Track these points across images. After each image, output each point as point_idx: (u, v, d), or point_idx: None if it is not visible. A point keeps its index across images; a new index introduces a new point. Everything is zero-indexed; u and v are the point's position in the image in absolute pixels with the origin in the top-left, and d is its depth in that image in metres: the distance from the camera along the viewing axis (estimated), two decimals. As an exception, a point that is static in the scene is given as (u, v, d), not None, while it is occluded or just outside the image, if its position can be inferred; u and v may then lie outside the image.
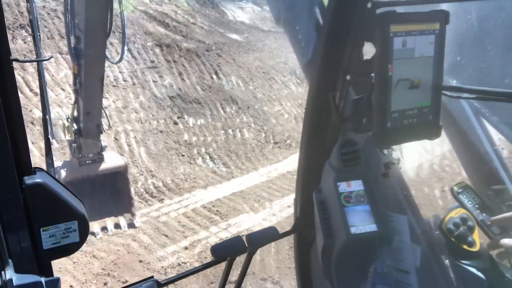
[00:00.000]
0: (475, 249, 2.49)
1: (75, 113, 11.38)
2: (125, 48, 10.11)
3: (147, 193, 13.17)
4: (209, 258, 10.57)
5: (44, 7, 16.64)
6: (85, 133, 11.43)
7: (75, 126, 11.39)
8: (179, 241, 11.49)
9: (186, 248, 11.14)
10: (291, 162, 15.94)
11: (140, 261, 10.51)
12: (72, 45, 9.98)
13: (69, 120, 11.48)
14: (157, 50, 18.34)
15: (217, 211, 12.67)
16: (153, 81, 17.09)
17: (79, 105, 10.99)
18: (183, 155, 15.05)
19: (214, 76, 18.64)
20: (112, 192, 12.43)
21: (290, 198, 12.99)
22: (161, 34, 19.23)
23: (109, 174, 12.17)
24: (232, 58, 20.28)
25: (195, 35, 20.34)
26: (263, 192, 13.96)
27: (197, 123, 16.32)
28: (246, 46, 21.97)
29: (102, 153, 12.10)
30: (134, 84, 16.52)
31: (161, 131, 15.49)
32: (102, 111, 11.51)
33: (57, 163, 11.91)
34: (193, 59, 18.76)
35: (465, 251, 2.49)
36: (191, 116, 16.42)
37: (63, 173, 11.55)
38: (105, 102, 14.60)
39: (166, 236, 11.55)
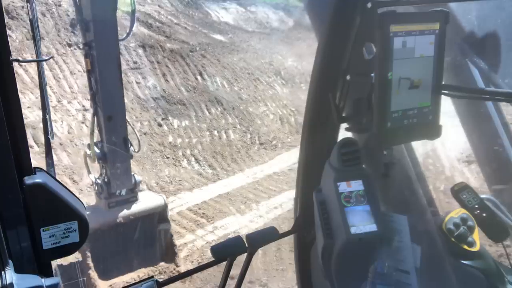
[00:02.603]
0: (475, 249, 2.52)
1: (97, 138, 9.61)
2: (134, 25, 9.61)
3: (131, 196, 12.96)
4: (196, 262, 10.59)
5: (22, 7, 16.55)
6: (110, 151, 9.53)
7: (97, 150, 9.58)
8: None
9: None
10: (277, 163, 16.09)
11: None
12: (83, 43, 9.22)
13: (89, 147, 9.58)
14: (140, 51, 18.31)
15: (203, 213, 12.69)
16: (136, 82, 17.07)
17: (99, 115, 9.34)
18: (167, 157, 15.04)
19: (199, 77, 18.67)
20: (150, 239, 10.56)
21: (277, 200, 13.12)
22: (144, 34, 19.23)
23: (146, 216, 10.28)
24: (217, 58, 20.34)
25: (178, 36, 20.36)
26: (249, 193, 14.05)
27: (182, 124, 16.35)
28: (231, 47, 22.09)
29: (136, 190, 10.25)
30: (110, 86, 16.45)
31: (145, 133, 15.48)
32: (131, 130, 10.12)
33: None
34: (177, 60, 18.80)
35: (465, 251, 2.52)
36: (175, 118, 16.45)
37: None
38: (86, 104, 14.52)
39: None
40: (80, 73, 15.99)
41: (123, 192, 10.05)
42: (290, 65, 23.11)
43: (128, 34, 9.62)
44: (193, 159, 15.33)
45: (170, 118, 16.34)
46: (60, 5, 17.56)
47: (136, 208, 10.13)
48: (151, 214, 10.37)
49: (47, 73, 15.13)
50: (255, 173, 15.46)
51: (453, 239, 2.49)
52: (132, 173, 10.20)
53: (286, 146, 17.52)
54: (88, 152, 9.63)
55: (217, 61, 20.17)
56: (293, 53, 24.51)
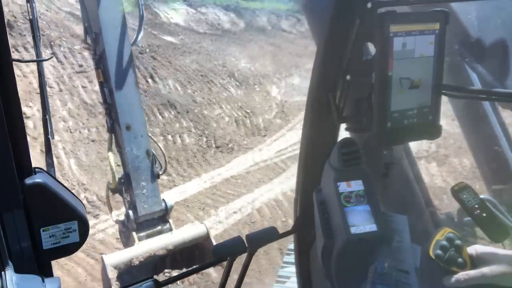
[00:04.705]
0: (467, 269, 2.55)
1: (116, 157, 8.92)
2: (141, 30, 8.94)
3: (80, 209, 12.68)
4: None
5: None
6: (133, 168, 8.71)
7: (115, 160, 8.72)
8: (117, 260, 11.21)
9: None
10: (234, 166, 16.30)
11: (79, 282, 10.49)
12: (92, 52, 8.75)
13: (110, 166, 8.79)
14: (86, 53, 18.14)
15: (159, 223, 12.50)
16: (82, 87, 17.05)
17: (116, 129, 8.64)
18: (118, 165, 14.66)
19: (150, 80, 18.67)
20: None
21: (236, 204, 13.38)
22: (89, 36, 19.11)
23: (184, 249, 8.88)
24: (168, 61, 20.37)
25: (126, 37, 20.34)
26: (207, 199, 14.18)
27: (133, 129, 16.28)
28: (182, 49, 22.19)
29: (168, 217, 9.06)
30: (61, 90, 16.42)
31: (93, 140, 15.45)
32: (153, 147, 9.31)
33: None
34: (126, 62, 18.73)
35: (457, 273, 2.55)
36: (126, 123, 16.16)
37: (112, 258, 8.34)
38: (28, 111, 14.34)
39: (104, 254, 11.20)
40: (19, 78, 15.74)
41: (152, 218, 8.89)
42: (244, 67, 23.31)
43: (136, 39, 9.01)
44: (146, 165, 15.26)
45: (120, 123, 16.25)
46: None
47: (171, 239, 8.81)
48: (190, 246, 9.02)
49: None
50: (212, 177, 15.57)
51: (442, 265, 2.52)
52: (162, 198, 9.07)
53: (242, 149, 17.67)
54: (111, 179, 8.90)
55: (168, 63, 20.19)
56: (246, 55, 24.75)
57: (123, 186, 8.91)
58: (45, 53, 17.06)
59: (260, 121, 19.75)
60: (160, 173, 9.19)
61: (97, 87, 16.80)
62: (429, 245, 2.51)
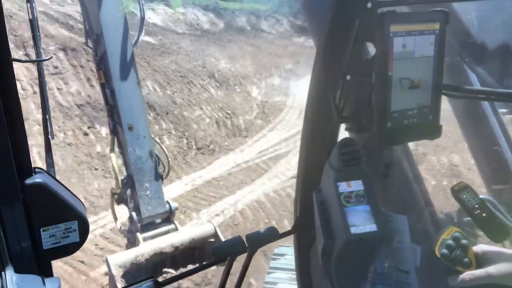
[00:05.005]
0: (472, 268, 2.56)
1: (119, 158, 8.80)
2: (143, 31, 8.96)
3: (56, 216, 12.51)
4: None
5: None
6: (136, 169, 8.64)
7: (118, 162, 8.62)
8: (97, 267, 11.23)
9: (106, 274, 10.65)
10: (215, 168, 16.29)
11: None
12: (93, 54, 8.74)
13: (113, 169, 8.62)
14: (61, 54, 18.04)
15: (139, 228, 12.41)
16: (58, 89, 16.92)
17: (118, 130, 8.66)
18: (96, 169, 14.90)
19: (127, 81, 18.52)
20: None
21: (218, 206, 13.35)
22: (64, 37, 18.94)
23: (190, 248, 8.80)
24: (146, 61, 20.35)
25: (103, 38, 20.27)
26: (189, 202, 14.12)
27: (111, 132, 16.19)
28: (161, 49, 22.24)
29: (173, 218, 9.10)
30: (35, 93, 16.25)
31: (69, 144, 15.33)
32: (156, 148, 9.19)
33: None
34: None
35: (462, 272, 2.56)
36: (103, 125, 16.21)
37: (114, 259, 8.23)
38: (2, 116, 14.22)
39: (82, 262, 11.26)
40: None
41: (158, 220, 9.01)
42: (224, 67, 23.37)
43: (137, 40, 9.05)
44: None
45: (97, 126, 16.20)
46: None
47: (177, 239, 8.72)
48: (196, 246, 8.94)
49: None
50: (193, 179, 15.57)
51: (448, 263, 2.53)
52: (167, 200, 9.12)
53: (224, 150, 17.69)
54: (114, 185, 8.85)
55: (147, 64, 20.17)
56: (226, 55, 24.84)
57: (126, 187, 8.92)
58: (18, 54, 16.91)
59: (241, 122, 19.80)
60: (164, 176, 9.26)
61: (73, 89, 16.72)
62: (435, 244, 2.53)
